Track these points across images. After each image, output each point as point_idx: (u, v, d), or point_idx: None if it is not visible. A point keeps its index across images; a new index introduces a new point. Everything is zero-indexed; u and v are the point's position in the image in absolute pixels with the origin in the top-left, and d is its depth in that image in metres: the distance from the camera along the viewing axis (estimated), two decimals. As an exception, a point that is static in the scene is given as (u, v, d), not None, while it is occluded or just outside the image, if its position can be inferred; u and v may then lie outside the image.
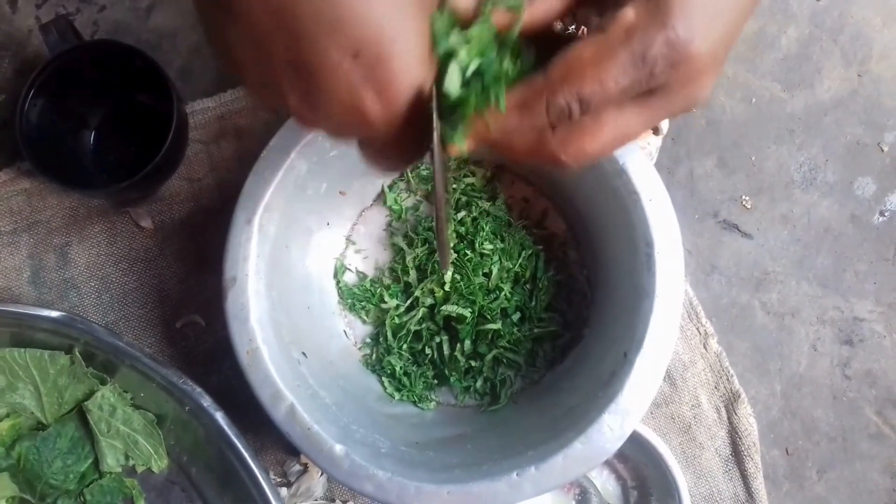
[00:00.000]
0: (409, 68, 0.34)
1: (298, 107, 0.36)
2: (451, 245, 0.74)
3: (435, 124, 0.35)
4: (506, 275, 0.73)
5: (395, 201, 0.77)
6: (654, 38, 0.34)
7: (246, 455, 0.66)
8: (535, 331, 0.74)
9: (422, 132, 0.37)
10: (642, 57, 0.34)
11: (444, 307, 0.72)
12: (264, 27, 0.33)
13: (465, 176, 0.77)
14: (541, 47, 0.38)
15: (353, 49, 0.33)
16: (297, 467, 0.77)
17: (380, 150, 0.39)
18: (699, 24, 0.34)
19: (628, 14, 0.34)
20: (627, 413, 0.60)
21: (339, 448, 0.60)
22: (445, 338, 0.73)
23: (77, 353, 0.68)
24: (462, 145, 0.37)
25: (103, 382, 0.69)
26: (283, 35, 0.33)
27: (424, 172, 0.77)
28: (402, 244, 0.76)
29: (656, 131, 0.82)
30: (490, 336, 0.73)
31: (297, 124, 0.39)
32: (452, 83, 0.36)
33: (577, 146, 0.37)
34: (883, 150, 0.84)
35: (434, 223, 0.74)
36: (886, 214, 0.83)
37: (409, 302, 0.74)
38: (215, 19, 0.35)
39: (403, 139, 0.37)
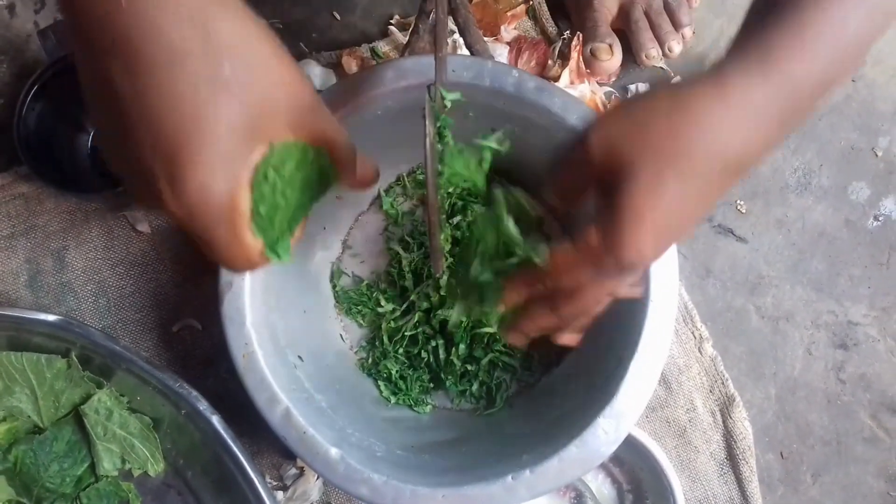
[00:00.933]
0: (198, 168, 0.38)
1: (129, 189, 0.42)
2: (446, 249, 0.74)
3: (427, 130, 0.36)
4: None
5: (392, 206, 0.78)
6: (607, 263, 0.43)
7: (242, 459, 0.66)
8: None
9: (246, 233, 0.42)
10: (601, 269, 0.44)
11: (439, 311, 0.73)
12: (101, 115, 0.41)
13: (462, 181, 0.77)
14: None
15: (151, 144, 0.38)
16: (294, 471, 0.77)
17: (208, 248, 0.42)
18: (644, 247, 0.42)
19: (592, 239, 0.43)
20: (622, 416, 0.60)
21: (334, 452, 0.60)
22: (441, 342, 0.73)
23: (74, 357, 0.69)
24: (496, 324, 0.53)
25: (100, 386, 0.69)
26: (110, 123, 0.40)
27: (420, 177, 0.77)
28: (398, 248, 0.76)
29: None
30: (486, 340, 0.73)
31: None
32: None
33: (575, 317, 0.51)
34: (877, 155, 0.85)
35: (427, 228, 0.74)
36: (880, 219, 0.84)
37: (404, 306, 0.75)
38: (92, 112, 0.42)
39: (224, 236, 0.41)
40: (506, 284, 0.50)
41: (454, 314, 0.54)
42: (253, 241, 0.43)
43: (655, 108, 0.42)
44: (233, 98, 0.38)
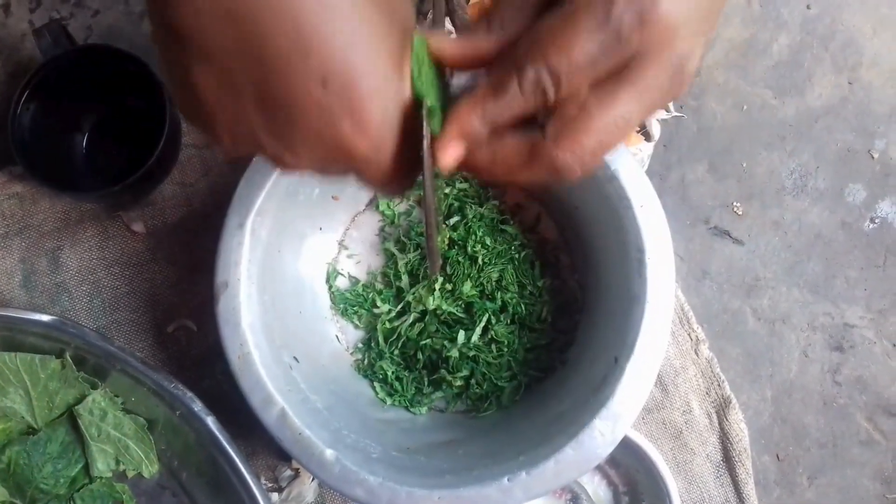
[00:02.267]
0: (379, 89, 0.34)
1: (274, 147, 0.36)
2: (443, 251, 0.74)
3: (425, 132, 0.36)
4: (498, 277, 0.74)
5: (388, 206, 0.78)
6: (619, 3, 0.33)
7: (237, 460, 0.66)
8: (529, 336, 0.74)
9: (414, 148, 0.37)
10: (606, 18, 0.33)
11: (436, 312, 0.72)
12: (230, 62, 0.33)
13: (458, 182, 0.77)
14: None
15: (321, 77, 0.33)
16: (289, 472, 0.77)
17: (377, 178, 0.38)
18: None
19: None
20: (618, 418, 0.60)
21: (329, 453, 0.60)
22: (437, 343, 0.73)
23: (68, 358, 0.68)
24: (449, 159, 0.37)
25: (94, 387, 0.69)
26: (249, 68, 0.33)
27: (418, 178, 0.77)
28: (394, 249, 0.76)
29: (648, 137, 0.82)
30: (482, 341, 0.73)
31: (279, 170, 0.38)
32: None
33: (573, 142, 0.36)
34: (873, 157, 0.85)
35: (424, 228, 0.74)
36: (877, 221, 0.84)
37: (400, 307, 0.75)
38: (178, 58, 0.34)
39: (397, 161, 0.37)
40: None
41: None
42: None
43: None
44: (377, 7, 0.34)
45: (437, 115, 0.37)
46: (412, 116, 0.36)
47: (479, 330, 0.72)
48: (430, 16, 0.53)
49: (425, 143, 0.36)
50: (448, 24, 0.73)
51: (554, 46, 0.34)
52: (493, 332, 0.72)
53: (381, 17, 0.34)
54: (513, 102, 0.35)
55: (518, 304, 0.73)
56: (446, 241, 0.74)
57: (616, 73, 0.35)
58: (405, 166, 0.37)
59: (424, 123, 0.36)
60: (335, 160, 0.36)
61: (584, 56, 0.33)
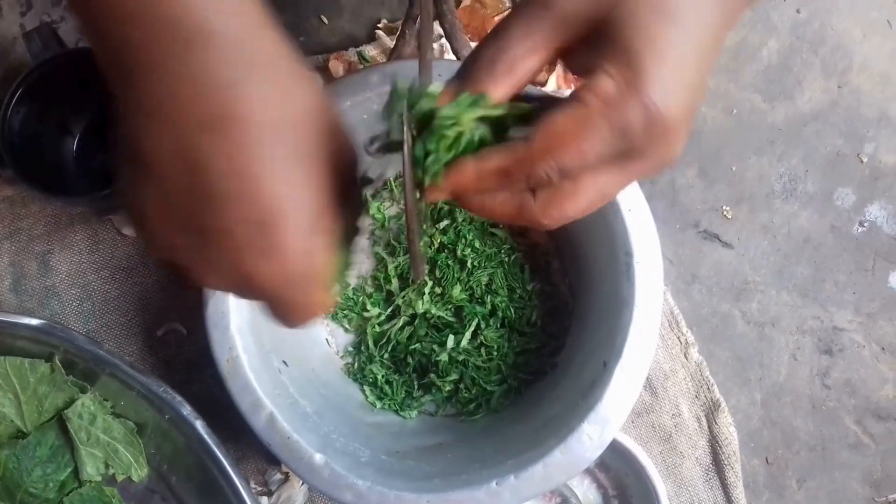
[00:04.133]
0: (298, 235, 0.37)
1: (195, 266, 0.39)
2: (432, 254, 0.74)
3: (405, 137, 0.36)
4: (487, 281, 0.74)
5: (378, 210, 0.78)
6: (631, 110, 0.34)
7: (226, 464, 0.66)
8: (519, 340, 0.74)
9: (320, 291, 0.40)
10: (621, 129, 0.35)
11: (425, 316, 0.73)
12: (171, 186, 0.36)
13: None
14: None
15: (241, 218, 0.36)
16: (278, 476, 0.77)
17: (289, 309, 0.41)
18: (672, 87, 0.34)
19: (606, 84, 0.34)
20: (607, 422, 0.60)
21: (318, 457, 0.60)
22: (428, 345, 0.73)
23: (57, 361, 0.68)
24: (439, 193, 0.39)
25: (83, 391, 0.69)
26: (185, 197, 0.36)
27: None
28: (384, 253, 0.76)
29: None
30: (471, 345, 0.73)
31: (196, 284, 0.42)
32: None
33: (558, 210, 0.38)
34: (863, 161, 0.85)
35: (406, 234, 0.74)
36: (866, 225, 0.84)
37: (390, 310, 0.75)
38: (132, 175, 0.38)
39: (306, 299, 0.40)
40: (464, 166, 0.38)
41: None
42: (327, 294, 0.41)
43: None
44: (319, 155, 0.38)
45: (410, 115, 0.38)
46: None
47: (468, 335, 0.72)
48: (418, 21, 0.53)
49: (406, 147, 0.36)
50: (438, 28, 0.73)
51: (569, 150, 0.35)
52: (482, 337, 0.73)
53: (315, 164, 0.38)
54: (513, 187, 0.38)
55: (508, 308, 0.73)
56: (435, 245, 0.74)
57: (613, 160, 0.37)
58: (317, 303, 0.41)
59: (406, 131, 0.36)
60: (246, 292, 0.39)
61: (595, 157, 0.35)
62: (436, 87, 0.38)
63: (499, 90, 0.38)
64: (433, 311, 0.72)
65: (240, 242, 0.36)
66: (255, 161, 0.35)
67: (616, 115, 0.34)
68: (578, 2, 0.36)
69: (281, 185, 0.36)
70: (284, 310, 0.41)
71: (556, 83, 0.80)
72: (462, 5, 0.84)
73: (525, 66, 0.38)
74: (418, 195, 0.38)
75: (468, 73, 0.38)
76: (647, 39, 0.34)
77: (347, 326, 0.77)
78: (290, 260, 0.37)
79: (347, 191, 0.41)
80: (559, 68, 0.80)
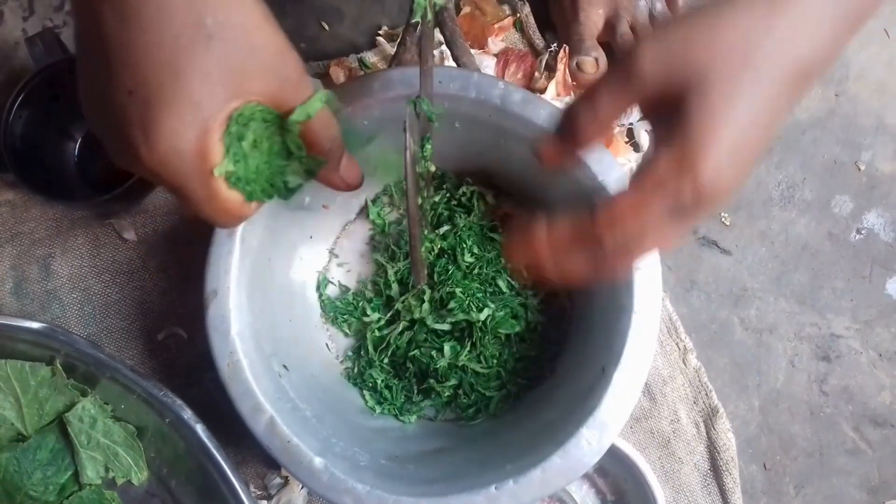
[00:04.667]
0: (178, 118, 0.41)
1: (104, 140, 0.44)
2: (431, 260, 0.74)
3: (407, 143, 0.36)
4: (489, 287, 0.74)
5: (378, 215, 0.78)
6: (683, 189, 0.38)
7: (226, 468, 0.66)
8: (518, 346, 0.74)
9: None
10: (674, 204, 0.39)
11: (425, 321, 0.73)
12: (93, 61, 0.42)
13: (447, 191, 0.77)
14: None
15: (129, 88, 0.40)
16: (278, 480, 0.77)
17: (177, 192, 0.44)
18: (724, 165, 0.38)
19: (660, 166, 0.39)
20: (605, 427, 0.60)
21: (318, 461, 0.60)
22: (427, 351, 0.74)
23: (58, 365, 0.68)
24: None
25: (84, 394, 0.69)
26: (102, 67, 0.41)
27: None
28: (383, 259, 0.76)
29: (637, 148, 0.83)
30: (471, 349, 0.73)
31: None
32: None
33: (625, 265, 0.44)
34: (860, 169, 0.85)
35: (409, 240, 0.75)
36: (863, 232, 0.84)
37: (389, 315, 0.75)
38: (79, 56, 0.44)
39: (187, 189, 0.44)
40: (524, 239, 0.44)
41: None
42: (229, 193, 0.45)
43: (720, 17, 0.40)
44: (211, 51, 0.40)
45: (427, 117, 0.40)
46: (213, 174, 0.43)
47: (468, 345, 0.73)
48: (419, 28, 0.54)
49: (407, 154, 0.36)
50: (438, 35, 0.73)
51: (629, 224, 0.40)
52: (481, 345, 0.73)
53: (207, 68, 0.41)
54: (585, 253, 0.42)
55: (507, 313, 0.74)
56: (435, 251, 0.74)
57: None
58: (212, 200, 0.45)
59: (407, 136, 0.36)
60: (133, 163, 0.43)
61: (649, 227, 0.40)
62: None
63: (591, 145, 0.45)
64: (429, 322, 0.73)
65: (124, 114, 0.40)
66: (143, 34, 0.39)
67: (670, 194, 0.39)
68: (656, 72, 0.40)
69: (167, 64, 0.40)
70: (186, 201, 0.44)
71: (556, 90, 0.80)
72: (462, 13, 0.84)
73: (611, 123, 0.44)
74: (420, 200, 0.39)
75: (568, 131, 0.44)
76: (710, 122, 0.38)
77: (347, 331, 0.77)
78: (163, 139, 0.41)
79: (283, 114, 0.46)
80: (559, 75, 0.80)
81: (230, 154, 0.43)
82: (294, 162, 0.48)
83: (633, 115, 0.84)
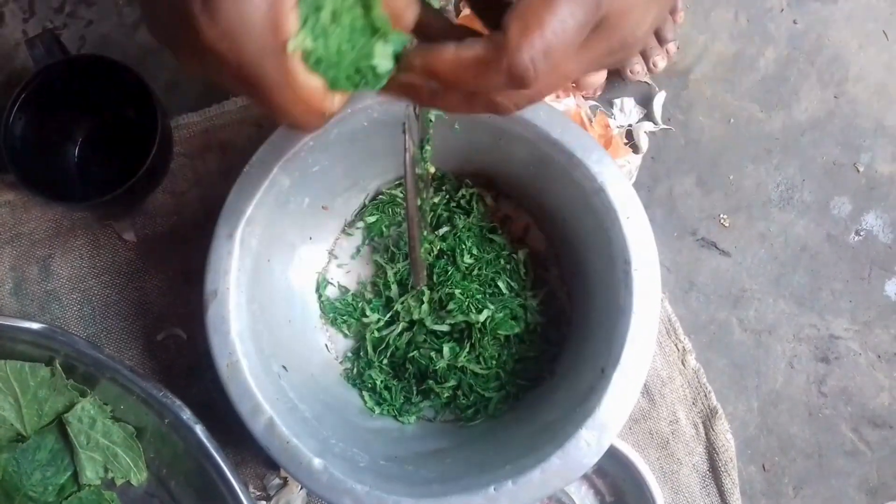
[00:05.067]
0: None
1: (160, 34, 0.39)
2: (431, 261, 0.74)
3: (406, 145, 0.36)
4: (489, 288, 0.74)
5: (377, 215, 0.78)
6: (498, 63, 0.35)
7: (225, 468, 0.66)
8: (518, 347, 0.74)
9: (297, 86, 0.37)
10: (483, 77, 0.36)
11: (424, 322, 0.73)
12: None
13: (446, 192, 0.77)
14: None
15: None
16: (277, 481, 0.77)
17: (236, 77, 0.38)
18: (536, 57, 0.35)
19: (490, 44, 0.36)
20: (605, 428, 0.60)
21: (317, 462, 0.61)
22: (426, 352, 0.74)
23: (57, 366, 0.68)
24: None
25: (83, 395, 0.69)
26: None
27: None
28: (384, 259, 0.77)
29: (636, 150, 0.83)
30: (471, 350, 0.73)
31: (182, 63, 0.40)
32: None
33: (518, 93, 0.39)
34: (859, 171, 0.86)
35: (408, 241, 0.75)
36: (862, 234, 0.84)
37: (389, 316, 0.75)
38: None
39: (257, 68, 0.37)
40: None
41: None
42: (308, 78, 0.37)
43: None
44: None
45: (417, 126, 0.38)
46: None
47: (467, 346, 0.73)
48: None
49: (407, 155, 0.36)
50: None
51: (547, 26, 0.35)
52: (480, 346, 0.73)
53: None
54: (490, 82, 0.37)
55: (506, 314, 0.74)
56: (435, 252, 0.75)
57: None
58: (288, 85, 0.37)
59: (406, 137, 0.36)
60: (190, 43, 0.37)
61: (571, 31, 0.36)
62: None
63: None
64: (428, 323, 0.73)
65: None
66: None
67: (486, 69, 0.36)
68: None
69: None
70: (257, 89, 0.37)
71: (555, 92, 0.80)
72: (462, 14, 0.84)
73: None
74: (419, 201, 0.39)
75: None
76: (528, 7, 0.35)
77: (347, 332, 0.77)
78: (230, 8, 0.35)
79: None
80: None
81: (307, 27, 0.36)
82: (380, 41, 0.40)
83: (633, 117, 0.84)
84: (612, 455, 0.73)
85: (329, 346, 0.77)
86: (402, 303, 0.74)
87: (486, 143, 0.69)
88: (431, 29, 0.40)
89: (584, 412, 0.61)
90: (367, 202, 0.78)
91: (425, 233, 0.72)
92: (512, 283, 0.75)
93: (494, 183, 0.78)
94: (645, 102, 0.85)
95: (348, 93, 0.40)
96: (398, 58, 0.40)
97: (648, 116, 0.85)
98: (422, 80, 0.38)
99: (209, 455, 0.66)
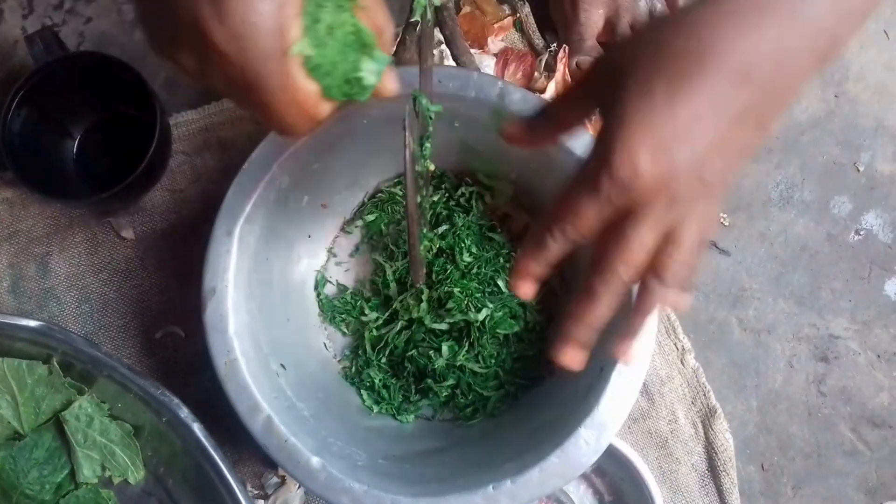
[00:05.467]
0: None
1: (159, 41, 0.41)
2: (428, 260, 0.74)
3: (406, 141, 0.36)
4: (488, 287, 0.74)
5: (376, 213, 0.78)
6: (600, 177, 0.39)
7: (223, 467, 0.66)
8: (517, 346, 0.74)
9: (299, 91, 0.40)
10: (597, 193, 0.39)
11: (423, 320, 0.73)
12: None
13: (446, 191, 0.77)
14: None
15: None
16: (275, 480, 0.77)
17: (242, 82, 0.40)
18: (639, 160, 0.38)
19: (589, 164, 0.40)
20: (604, 427, 0.60)
21: (315, 460, 0.60)
22: (425, 351, 0.74)
23: (55, 363, 0.68)
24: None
25: (81, 393, 0.69)
26: None
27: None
28: (382, 257, 0.76)
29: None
30: (469, 349, 0.73)
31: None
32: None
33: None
34: (859, 170, 0.85)
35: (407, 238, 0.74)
36: (861, 233, 0.84)
37: (387, 314, 0.75)
38: None
39: (264, 70, 0.39)
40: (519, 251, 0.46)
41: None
42: (306, 83, 0.41)
43: (666, 20, 0.40)
44: None
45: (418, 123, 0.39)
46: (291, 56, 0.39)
47: (466, 345, 0.72)
48: (419, 27, 0.54)
49: (407, 152, 0.36)
50: (438, 34, 0.73)
51: (561, 213, 0.42)
52: (479, 345, 0.73)
53: None
54: (551, 252, 0.44)
55: (506, 313, 0.74)
56: (434, 250, 0.74)
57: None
58: (288, 89, 0.40)
59: (406, 133, 0.36)
60: (199, 44, 0.38)
61: (585, 218, 0.41)
62: None
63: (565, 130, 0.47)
64: (427, 322, 0.73)
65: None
66: None
67: (594, 184, 0.39)
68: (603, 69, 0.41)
69: None
70: (258, 92, 0.40)
71: (555, 90, 0.80)
72: (462, 12, 0.84)
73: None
74: (419, 198, 0.39)
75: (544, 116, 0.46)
76: (622, 112, 0.38)
77: (345, 330, 0.77)
78: (239, 12, 0.37)
79: None
80: (558, 74, 0.80)
81: (309, 35, 0.40)
82: (367, 56, 0.45)
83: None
84: (611, 454, 0.72)
85: (328, 344, 0.77)
86: (401, 301, 0.74)
87: (486, 141, 0.69)
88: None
89: (582, 411, 0.61)
90: (366, 200, 0.78)
91: (424, 230, 0.72)
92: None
93: (491, 182, 0.77)
94: (645, 101, 0.85)
95: (336, 102, 0.44)
96: (380, 74, 0.45)
97: (648, 115, 0.84)
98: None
99: (207, 453, 0.66)
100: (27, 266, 0.79)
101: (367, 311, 0.76)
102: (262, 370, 0.64)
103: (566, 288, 0.76)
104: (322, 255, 0.78)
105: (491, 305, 0.73)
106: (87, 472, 0.70)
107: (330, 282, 0.78)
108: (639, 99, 0.38)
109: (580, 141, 0.64)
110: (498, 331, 0.73)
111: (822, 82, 0.86)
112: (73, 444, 0.69)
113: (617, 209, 0.40)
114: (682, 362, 0.79)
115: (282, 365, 0.67)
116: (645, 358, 0.62)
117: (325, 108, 0.42)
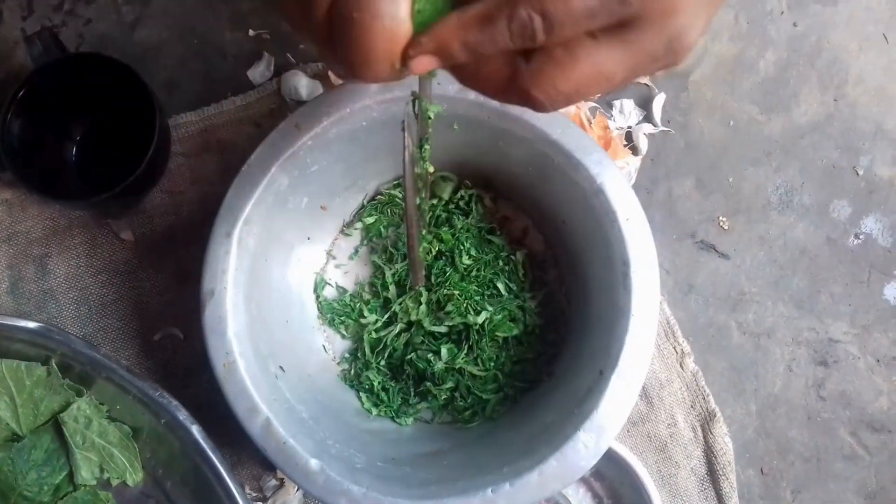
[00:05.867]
0: None
1: None
2: (429, 262, 0.74)
3: (406, 143, 0.36)
4: (487, 289, 0.74)
5: (377, 217, 0.78)
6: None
7: (221, 469, 0.66)
8: (516, 348, 0.74)
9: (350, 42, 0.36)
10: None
11: (423, 323, 0.73)
12: None
13: (446, 192, 0.77)
14: None
15: None
16: (273, 482, 0.77)
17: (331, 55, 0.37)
18: None
19: None
20: (603, 430, 0.60)
21: (314, 463, 0.60)
22: (424, 354, 0.74)
23: (54, 365, 0.68)
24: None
25: (79, 394, 0.69)
26: None
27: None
28: (382, 259, 0.76)
29: (635, 151, 0.83)
30: (469, 352, 0.73)
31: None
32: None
33: (550, 81, 0.36)
34: (858, 174, 0.85)
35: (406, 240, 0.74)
36: (861, 237, 0.84)
37: (386, 317, 0.75)
38: None
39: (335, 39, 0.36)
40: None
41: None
42: (408, 22, 0.36)
43: None
44: None
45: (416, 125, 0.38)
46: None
47: (465, 348, 0.72)
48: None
49: (406, 153, 0.36)
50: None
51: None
52: (478, 348, 0.73)
53: None
54: (497, 38, 0.35)
55: (505, 316, 0.74)
56: (433, 252, 0.74)
57: (611, 29, 0.34)
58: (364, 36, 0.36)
59: (405, 135, 0.36)
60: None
61: (582, 7, 0.33)
62: None
63: None
64: (427, 325, 0.73)
65: None
66: None
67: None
68: None
69: None
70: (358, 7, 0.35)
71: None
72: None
73: None
74: (418, 200, 0.38)
75: None
76: None
77: (344, 332, 0.77)
78: None
79: None
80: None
81: None
82: None
83: (633, 118, 0.84)
84: (610, 458, 0.72)
85: (327, 346, 0.77)
86: (401, 304, 0.74)
87: (485, 144, 0.69)
88: None
89: (582, 414, 0.61)
90: (365, 202, 0.78)
91: (424, 232, 0.72)
92: (510, 285, 0.75)
93: (493, 184, 0.77)
94: (644, 104, 0.85)
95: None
96: None
97: (648, 118, 0.85)
98: (447, 55, 0.37)
99: (205, 456, 0.66)
100: (26, 267, 0.78)
101: (366, 314, 0.75)
102: (260, 372, 0.64)
103: (567, 297, 0.76)
104: (321, 258, 0.78)
105: (490, 308, 0.73)
106: (86, 473, 0.69)
107: (329, 284, 0.78)
108: None
109: (581, 145, 0.64)
110: (497, 334, 0.73)
111: (821, 86, 0.87)
112: (72, 445, 0.69)
113: (619, 14, 0.34)
114: (681, 366, 0.79)
115: (281, 367, 0.67)
116: (644, 361, 0.61)
117: (406, 57, 0.37)
